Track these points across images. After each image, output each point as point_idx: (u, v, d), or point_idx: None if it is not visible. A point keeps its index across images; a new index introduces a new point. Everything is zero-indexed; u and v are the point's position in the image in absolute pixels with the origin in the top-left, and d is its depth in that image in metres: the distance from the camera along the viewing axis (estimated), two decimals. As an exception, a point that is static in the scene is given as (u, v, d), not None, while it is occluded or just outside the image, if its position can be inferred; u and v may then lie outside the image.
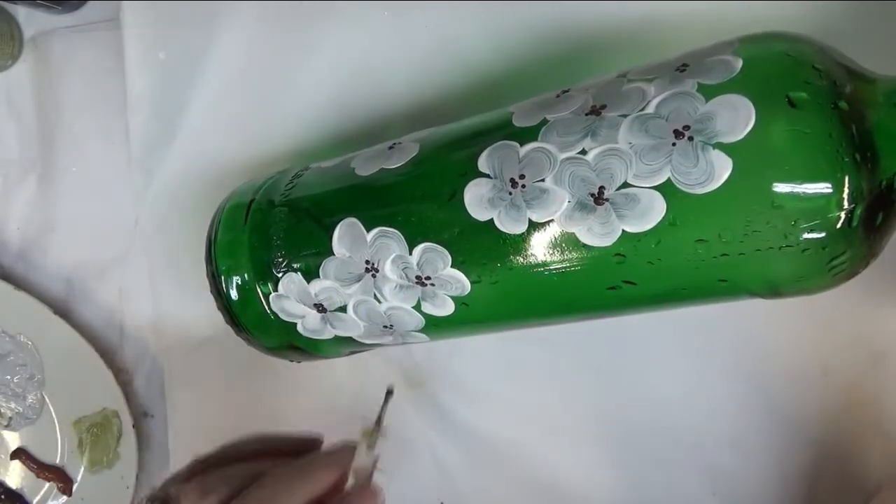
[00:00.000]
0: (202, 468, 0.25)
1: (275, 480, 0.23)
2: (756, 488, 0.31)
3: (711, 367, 0.31)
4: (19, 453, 0.40)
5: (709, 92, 0.20)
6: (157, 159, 0.36)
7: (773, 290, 0.22)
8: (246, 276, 0.27)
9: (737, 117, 0.19)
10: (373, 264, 0.24)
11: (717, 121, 0.19)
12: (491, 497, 0.34)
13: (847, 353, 0.29)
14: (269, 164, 0.35)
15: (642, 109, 0.20)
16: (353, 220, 0.25)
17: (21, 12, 0.39)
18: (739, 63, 0.20)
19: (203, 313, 0.36)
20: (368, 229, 0.24)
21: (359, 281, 0.25)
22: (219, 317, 0.31)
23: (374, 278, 0.25)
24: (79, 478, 0.39)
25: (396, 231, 0.24)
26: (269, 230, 0.27)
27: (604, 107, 0.21)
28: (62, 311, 0.39)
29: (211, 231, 0.29)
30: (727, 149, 0.19)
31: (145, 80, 0.35)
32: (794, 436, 0.30)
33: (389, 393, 0.26)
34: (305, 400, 0.36)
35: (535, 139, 0.22)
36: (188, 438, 0.38)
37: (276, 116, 0.34)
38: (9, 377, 0.39)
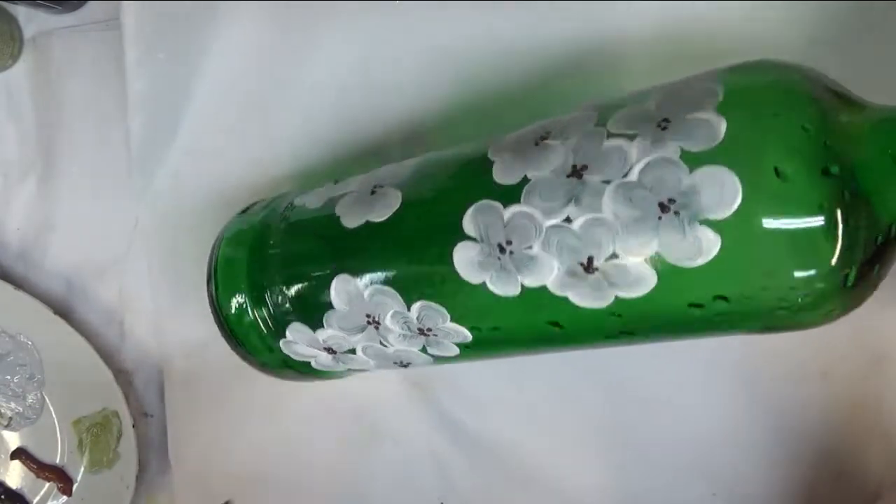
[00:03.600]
0: None
1: None
2: (756, 490, 0.31)
3: (711, 369, 0.31)
4: (19, 453, 0.40)
5: (692, 161, 0.19)
6: (157, 160, 0.36)
7: (767, 331, 0.22)
8: (258, 331, 0.28)
9: (723, 194, 0.18)
10: (373, 318, 0.25)
11: (703, 196, 0.18)
12: (491, 497, 0.34)
13: (846, 356, 0.29)
14: (268, 163, 0.35)
15: (625, 176, 0.20)
16: (348, 276, 0.25)
17: (21, 12, 0.39)
18: (723, 127, 0.19)
19: (203, 313, 0.36)
20: (364, 286, 0.24)
21: (363, 331, 0.25)
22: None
23: (377, 329, 0.25)
24: (79, 478, 0.39)
25: (391, 289, 0.24)
26: (268, 288, 0.27)
27: (585, 168, 0.20)
28: (62, 311, 0.39)
29: (211, 286, 0.29)
30: (715, 226, 0.18)
31: (145, 80, 0.35)
32: (794, 438, 0.30)
33: None
34: (305, 400, 0.36)
35: (517, 201, 0.21)
36: (187, 439, 0.38)
37: (276, 116, 0.34)
38: (9, 377, 0.39)
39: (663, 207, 0.19)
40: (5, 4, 0.38)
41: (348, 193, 0.26)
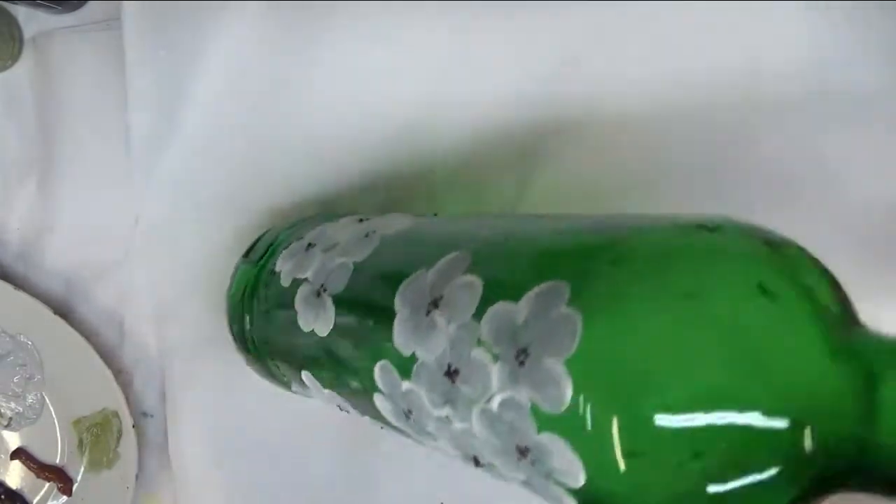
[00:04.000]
0: None
1: None
2: None
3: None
4: (19, 453, 0.40)
5: (540, 420, 0.16)
6: (158, 159, 0.36)
7: None
8: (278, 379, 0.31)
9: (569, 469, 0.16)
10: (343, 408, 0.26)
11: (552, 460, 0.16)
12: (491, 497, 0.34)
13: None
14: (270, 161, 0.35)
15: (487, 402, 0.18)
16: (311, 375, 0.26)
17: (21, 12, 0.38)
18: (568, 393, 0.16)
19: (203, 313, 0.36)
20: (324, 388, 0.26)
21: (344, 410, 0.27)
22: (219, 317, 0.31)
23: (348, 413, 0.27)
24: (79, 478, 0.39)
25: (344, 399, 0.25)
26: (266, 356, 0.29)
27: (457, 373, 0.19)
28: (62, 311, 0.39)
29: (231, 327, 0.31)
30: (569, 491, 0.16)
31: (145, 79, 0.35)
32: None
33: None
34: (306, 400, 0.36)
35: (409, 378, 0.21)
36: (188, 439, 0.38)
37: (276, 115, 0.34)
38: (9, 377, 0.39)
39: (521, 452, 0.17)
40: (5, 4, 0.38)
41: (305, 282, 0.26)
